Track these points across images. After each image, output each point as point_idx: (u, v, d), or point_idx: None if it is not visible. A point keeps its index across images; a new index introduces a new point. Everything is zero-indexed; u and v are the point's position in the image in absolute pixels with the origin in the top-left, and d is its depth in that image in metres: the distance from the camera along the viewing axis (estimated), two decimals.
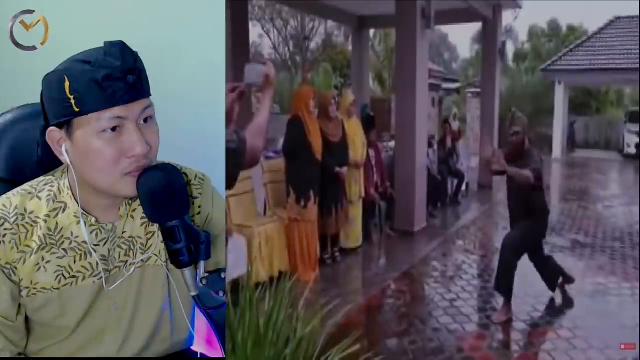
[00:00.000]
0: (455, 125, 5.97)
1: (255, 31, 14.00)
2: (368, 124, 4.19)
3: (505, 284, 2.77)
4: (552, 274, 3.03)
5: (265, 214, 3.43)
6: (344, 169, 3.41)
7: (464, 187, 5.80)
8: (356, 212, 3.73)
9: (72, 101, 0.86)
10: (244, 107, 1.59)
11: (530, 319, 2.81)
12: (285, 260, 3.11)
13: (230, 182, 1.31)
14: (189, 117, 1.53)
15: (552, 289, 3.03)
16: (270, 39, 14.47)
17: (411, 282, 3.36)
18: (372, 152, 4.08)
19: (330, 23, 11.73)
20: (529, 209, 2.77)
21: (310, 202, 3.12)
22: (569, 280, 3.11)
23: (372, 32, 9.95)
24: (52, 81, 0.89)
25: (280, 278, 1.87)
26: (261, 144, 1.30)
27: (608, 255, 3.96)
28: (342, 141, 3.44)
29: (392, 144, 5.06)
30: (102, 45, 0.89)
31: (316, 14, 7.99)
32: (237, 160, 1.26)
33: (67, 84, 0.87)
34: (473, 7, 5.77)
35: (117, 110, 0.87)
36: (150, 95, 0.94)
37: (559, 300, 3.04)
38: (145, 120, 0.92)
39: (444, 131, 5.67)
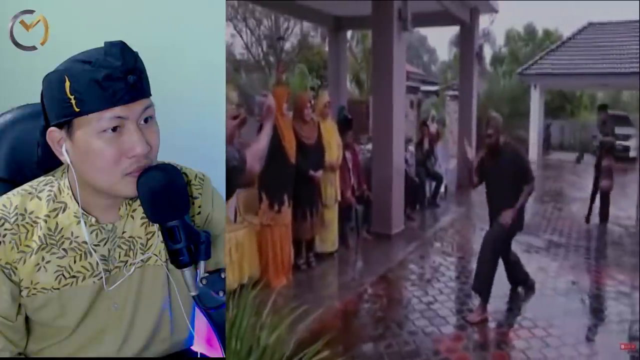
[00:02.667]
0: (433, 127, 5.98)
1: (226, 31, 13.86)
2: (345, 126, 4.15)
3: (486, 285, 2.77)
4: (515, 268, 3.01)
5: (235, 220, 3.35)
6: (319, 173, 3.34)
7: (442, 189, 5.81)
8: (332, 215, 3.66)
9: (73, 101, 0.86)
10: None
11: (505, 318, 2.81)
12: (255, 267, 3.03)
13: (227, 198, 1.30)
14: (189, 117, 1.53)
15: (513, 283, 3.02)
16: (243, 39, 14.38)
17: (388, 286, 3.34)
18: (348, 155, 4.04)
19: (306, 23, 11.71)
20: (508, 204, 2.78)
21: (284, 206, 3.05)
22: (530, 288, 3.06)
23: (349, 33, 9.94)
24: (52, 81, 0.89)
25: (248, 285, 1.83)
26: (259, 167, 1.33)
27: (582, 254, 4.02)
28: (317, 144, 3.37)
29: (369, 146, 5.04)
30: (102, 45, 0.89)
31: (290, 14, 7.93)
32: (237, 178, 1.28)
33: (67, 84, 0.86)
34: (450, 10, 5.82)
35: (118, 110, 0.87)
36: (150, 95, 0.93)
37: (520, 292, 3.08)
38: (146, 121, 0.92)
39: (422, 133, 5.68)
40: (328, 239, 3.68)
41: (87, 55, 0.89)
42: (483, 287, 2.77)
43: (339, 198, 3.75)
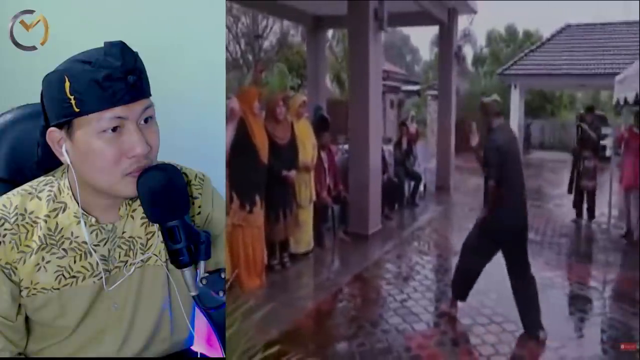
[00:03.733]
0: (413, 127, 6.02)
1: None
2: (321, 126, 4.15)
3: (461, 292, 2.76)
4: (532, 308, 2.49)
5: None
6: (292, 173, 3.33)
7: (421, 189, 5.85)
8: (306, 216, 3.65)
9: (73, 101, 0.86)
10: None
11: (478, 314, 2.84)
12: (227, 269, 2.99)
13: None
14: (189, 117, 1.53)
15: (530, 330, 2.49)
16: None
17: (362, 285, 3.35)
18: (325, 155, 4.04)
19: (286, 22, 11.60)
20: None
21: (255, 206, 3.01)
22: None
23: (330, 32, 9.89)
24: (52, 81, 0.89)
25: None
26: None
27: (555, 251, 4.08)
28: (291, 143, 3.36)
29: (347, 146, 5.05)
30: (102, 45, 0.89)
31: (268, 12, 7.89)
32: None
33: (67, 84, 0.86)
34: (428, 10, 5.85)
35: (118, 111, 0.87)
36: (150, 95, 0.93)
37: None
38: (146, 121, 0.92)
39: (401, 133, 5.71)
40: (302, 240, 3.67)
41: (87, 55, 0.88)
42: (459, 295, 2.79)
43: (314, 198, 3.73)
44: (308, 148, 3.58)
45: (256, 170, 3.02)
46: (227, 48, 13.77)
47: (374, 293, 3.26)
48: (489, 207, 2.48)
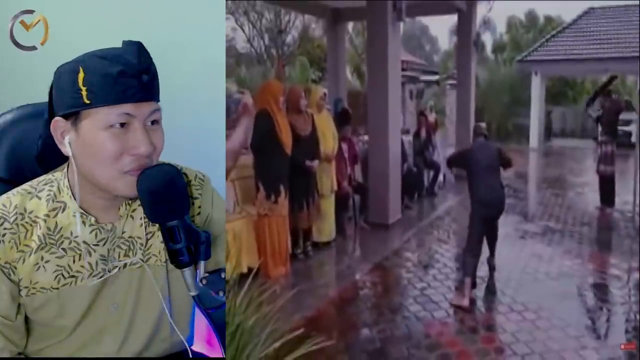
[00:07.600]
0: (432, 117, 6.01)
1: (228, 24, 13.86)
2: (342, 118, 4.20)
3: (471, 269, 2.91)
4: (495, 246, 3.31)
5: (234, 210, 3.42)
6: (315, 163, 3.38)
7: (440, 178, 5.85)
8: (328, 206, 3.71)
9: (84, 92, 0.87)
10: None
11: (498, 302, 2.88)
12: (254, 257, 3.06)
13: None
14: (189, 117, 1.53)
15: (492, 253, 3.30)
16: (245, 33, 14.36)
17: (383, 273, 3.40)
18: (345, 146, 4.09)
19: (307, 16, 11.61)
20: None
21: (280, 196, 3.08)
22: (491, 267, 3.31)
23: (351, 25, 9.82)
24: (65, 71, 0.89)
25: (248, 275, 1.90)
26: (233, 164, 1.35)
27: (576, 240, 4.06)
28: (312, 135, 3.40)
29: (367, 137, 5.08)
30: (108, 45, 0.90)
31: (289, 7, 7.88)
32: None
33: (81, 74, 0.87)
34: None
35: (128, 107, 0.88)
36: (159, 100, 0.94)
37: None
38: (152, 123, 0.92)
39: (419, 123, 5.71)
40: (325, 229, 3.73)
41: (104, 51, 0.89)
42: (471, 272, 2.93)
43: (335, 188, 3.79)
44: (329, 139, 3.62)
45: (281, 162, 3.08)
46: (251, 43, 13.86)
47: (394, 281, 3.30)
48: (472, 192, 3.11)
